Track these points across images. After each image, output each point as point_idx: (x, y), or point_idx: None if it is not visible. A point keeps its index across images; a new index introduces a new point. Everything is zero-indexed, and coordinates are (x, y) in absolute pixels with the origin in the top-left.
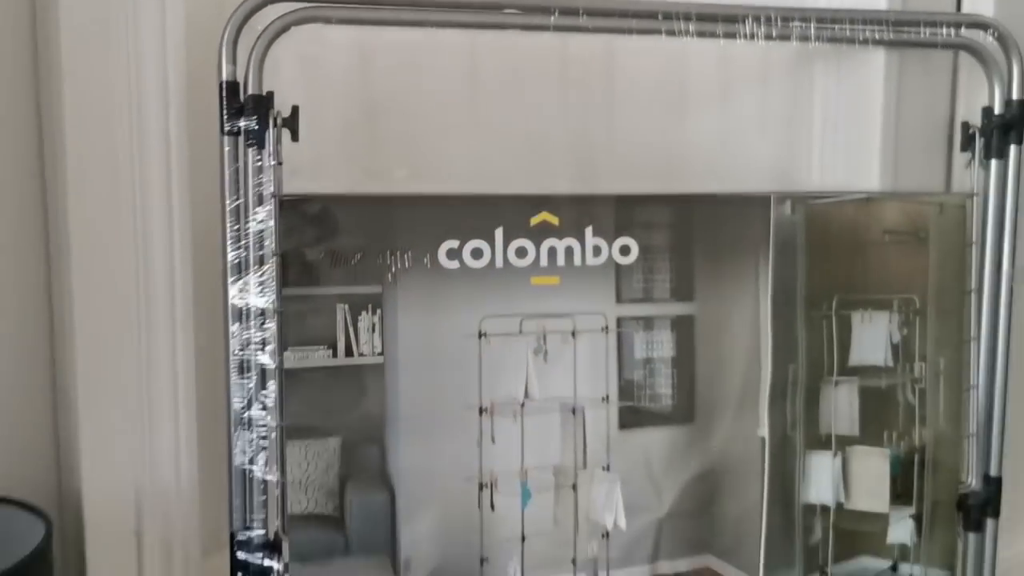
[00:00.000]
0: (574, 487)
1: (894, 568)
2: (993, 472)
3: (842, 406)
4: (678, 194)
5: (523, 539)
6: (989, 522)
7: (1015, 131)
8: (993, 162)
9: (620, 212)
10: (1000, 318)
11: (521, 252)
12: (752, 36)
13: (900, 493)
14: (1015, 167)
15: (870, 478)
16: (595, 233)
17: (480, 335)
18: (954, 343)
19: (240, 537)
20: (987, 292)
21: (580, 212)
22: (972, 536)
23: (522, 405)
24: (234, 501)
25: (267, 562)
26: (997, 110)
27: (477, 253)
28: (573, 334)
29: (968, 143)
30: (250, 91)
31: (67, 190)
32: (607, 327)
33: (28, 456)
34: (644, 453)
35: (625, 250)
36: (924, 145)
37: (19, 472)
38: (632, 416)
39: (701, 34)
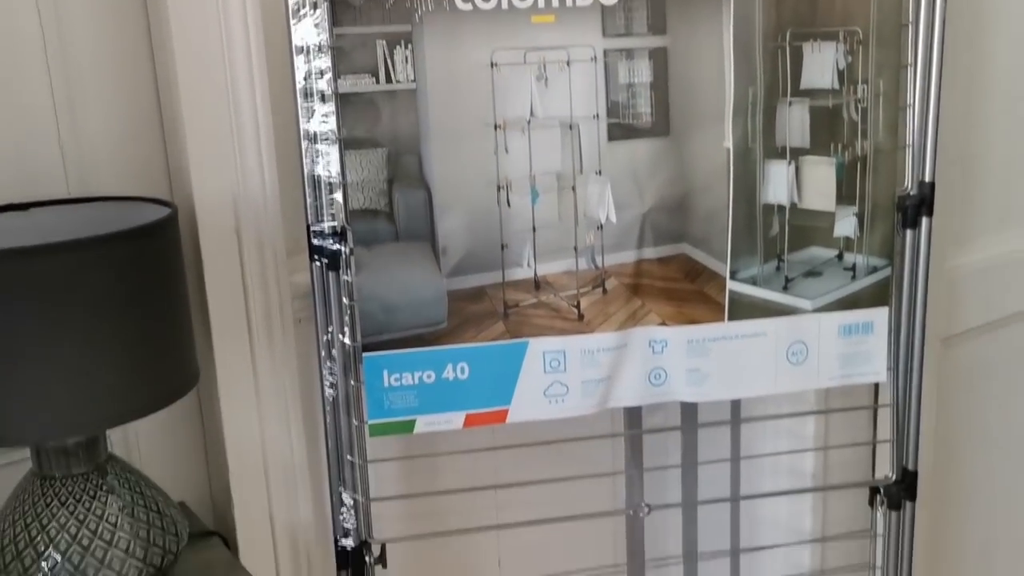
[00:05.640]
0: (573, 188)
1: (840, 256)
2: (928, 178)
3: (795, 122)
4: None
5: (534, 230)
6: (924, 220)
7: None
8: None
9: None
10: (934, 46)
11: None
12: None
13: (845, 195)
14: None
15: (819, 182)
16: None
17: (492, 65)
18: (892, 68)
19: (315, 228)
20: (922, 25)
21: None
22: (909, 233)
23: (528, 122)
24: (308, 200)
25: (336, 246)
26: None
27: None
28: (568, 63)
29: None
30: None
31: None
32: (595, 57)
33: (146, 171)
34: (629, 160)
35: None
36: None
37: (142, 184)
38: (618, 130)
39: None
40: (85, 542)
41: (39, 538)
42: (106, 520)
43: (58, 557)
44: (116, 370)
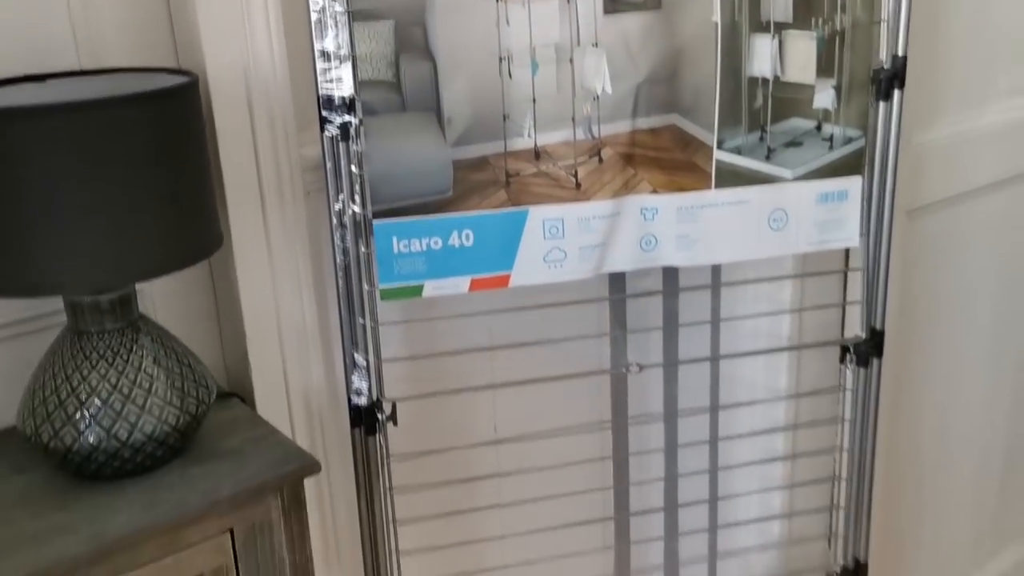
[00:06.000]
0: (571, 61)
1: (819, 128)
2: (901, 52)
3: None
4: None
5: (534, 101)
6: (896, 92)
7: None
8: None
9: None
10: None
11: None
12: None
13: (824, 68)
14: None
15: (800, 55)
16: None
17: None
18: None
19: (324, 97)
20: None
21: None
22: (882, 105)
23: None
24: (318, 71)
25: (346, 117)
26: None
27: None
28: None
29: None
30: None
31: None
32: None
33: (154, 45)
34: (623, 34)
35: None
36: None
37: (150, 58)
38: (613, 3)
39: None
40: (125, 390)
41: (80, 387)
42: (143, 371)
43: (100, 404)
44: (149, 224)
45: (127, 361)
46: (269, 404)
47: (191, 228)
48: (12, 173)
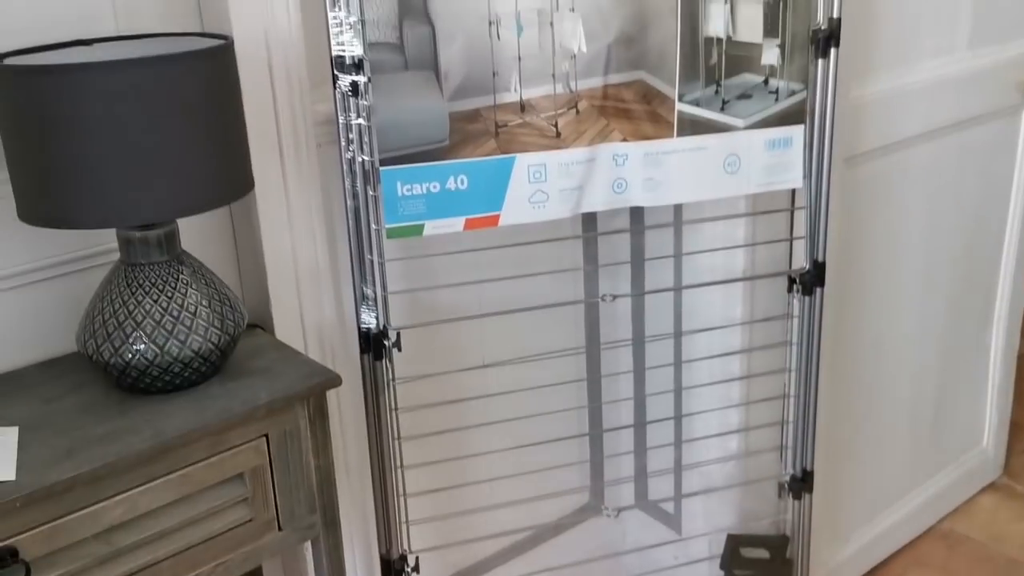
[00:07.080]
0: (551, 24)
1: (766, 82)
2: (835, 15)
3: None
4: None
5: (519, 59)
6: (833, 50)
7: None
8: None
9: None
10: None
11: None
12: None
13: (770, 29)
14: None
15: (749, 18)
16: None
17: None
18: None
19: (336, 58)
20: None
21: None
22: (821, 62)
23: None
24: (331, 34)
25: (356, 77)
26: None
27: None
28: None
29: None
30: None
31: None
32: None
33: (180, 12)
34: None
35: None
36: None
37: (176, 24)
38: None
39: None
40: (175, 313)
41: (136, 311)
42: (188, 297)
43: (154, 325)
44: (196, 166)
45: (175, 288)
46: (286, 335)
47: (229, 171)
48: (85, 120)
